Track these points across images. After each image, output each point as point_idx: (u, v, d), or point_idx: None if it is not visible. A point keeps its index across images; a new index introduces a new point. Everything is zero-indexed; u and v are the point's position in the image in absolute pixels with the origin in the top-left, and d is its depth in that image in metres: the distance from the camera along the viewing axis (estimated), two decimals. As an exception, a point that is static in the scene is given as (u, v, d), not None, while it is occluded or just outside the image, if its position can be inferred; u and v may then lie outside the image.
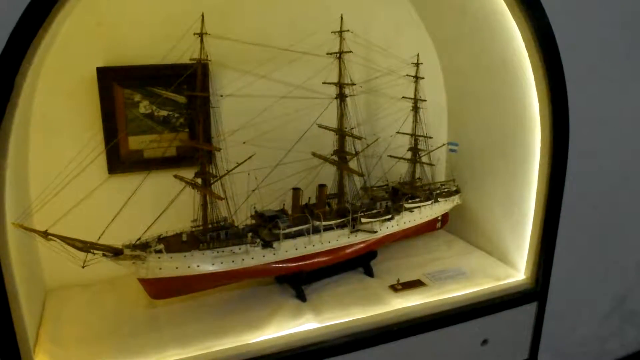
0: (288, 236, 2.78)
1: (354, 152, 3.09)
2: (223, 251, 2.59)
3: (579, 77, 2.77)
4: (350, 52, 2.99)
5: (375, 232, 3.10)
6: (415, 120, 3.52)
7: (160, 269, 2.47)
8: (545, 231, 3.01)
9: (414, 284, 3.06)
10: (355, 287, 3.03)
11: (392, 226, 3.24)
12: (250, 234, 2.70)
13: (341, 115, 3.05)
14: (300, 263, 2.86)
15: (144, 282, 2.53)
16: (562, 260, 3.09)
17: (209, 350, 2.41)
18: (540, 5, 2.59)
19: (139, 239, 2.47)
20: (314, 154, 3.08)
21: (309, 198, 3.08)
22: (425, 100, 3.50)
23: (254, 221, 2.91)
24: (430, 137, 3.57)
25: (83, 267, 2.21)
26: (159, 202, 2.48)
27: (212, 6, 2.56)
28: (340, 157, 3.09)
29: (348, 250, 3.04)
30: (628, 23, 2.96)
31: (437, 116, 3.84)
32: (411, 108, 3.52)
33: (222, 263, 2.60)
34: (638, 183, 3.33)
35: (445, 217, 3.73)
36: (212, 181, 2.65)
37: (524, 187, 3.12)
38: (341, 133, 3.06)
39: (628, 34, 2.99)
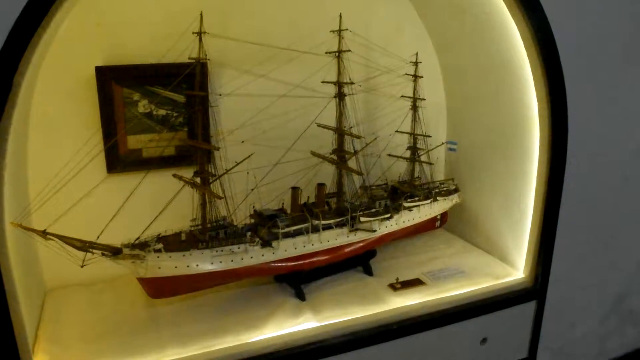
0: (287, 235, 2.78)
1: (353, 151, 3.09)
2: (222, 250, 2.59)
3: (578, 77, 2.77)
4: (350, 51, 2.98)
5: (374, 231, 3.10)
6: (414, 119, 3.52)
7: (159, 268, 2.47)
8: (544, 230, 3.01)
9: (413, 283, 3.06)
10: (354, 286, 3.03)
11: (391, 225, 3.24)
12: (249, 233, 2.69)
13: (340, 114, 3.04)
14: (299, 262, 2.86)
15: (143, 281, 2.52)
16: (561, 259, 3.09)
17: (208, 349, 2.41)
18: (540, 5, 2.59)
19: (138, 238, 2.46)
20: (313, 153, 3.08)
21: (308, 197, 3.08)
22: (424, 99, 3.50)
23: (253, 220, 2.91)
24: (429, 136, 3.57)
25: (82, 266, 2.21)
26: (158, 201, 2.47)
27: (212, 5, 2.56)
28: (339, 156, 3.09)
29: (347, 249, 3.04)
30: (627, 23, 2.96)
31: (436, 115, 3.83)
32: (410, 107, 3.51)
33: (221, 262, 2.60)
34: (637, 183, 3.34)
35: (444, 216, 3.73)
36: (211, 180, 2.64)
37: (523, 185, 3.12)
38: (340, 132, 3.06)
39: (627, 34, 2.99)
